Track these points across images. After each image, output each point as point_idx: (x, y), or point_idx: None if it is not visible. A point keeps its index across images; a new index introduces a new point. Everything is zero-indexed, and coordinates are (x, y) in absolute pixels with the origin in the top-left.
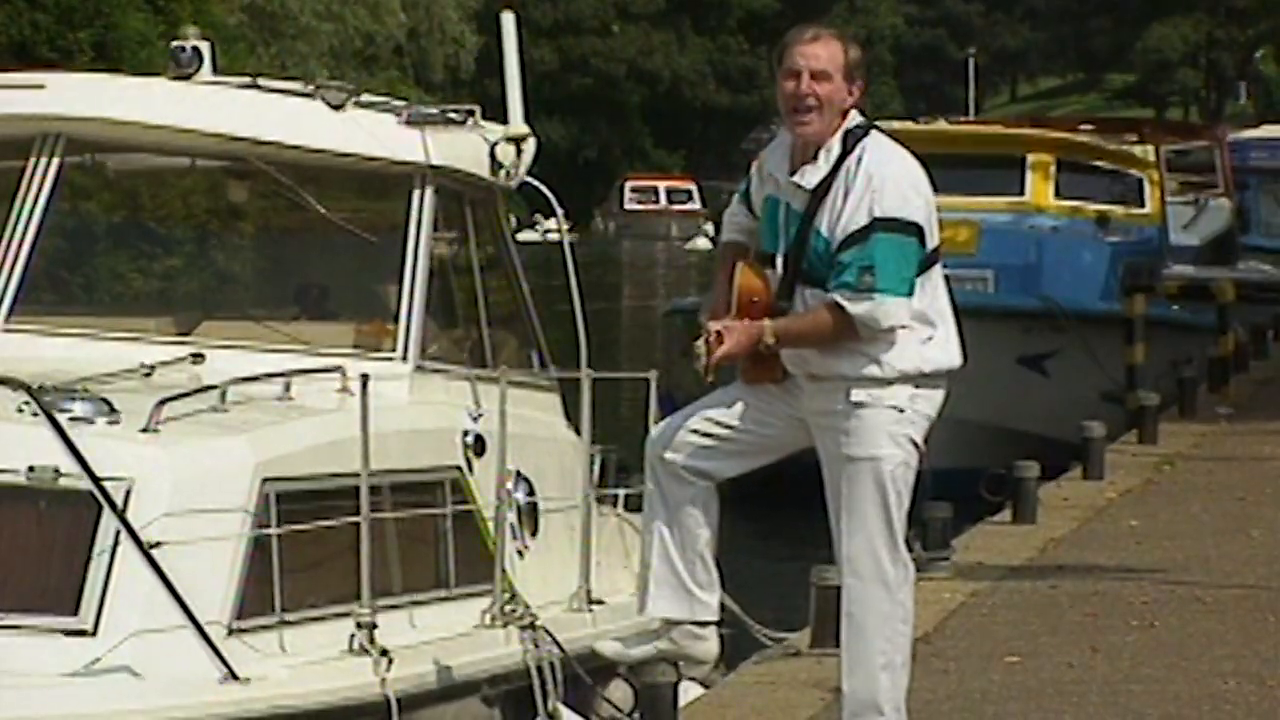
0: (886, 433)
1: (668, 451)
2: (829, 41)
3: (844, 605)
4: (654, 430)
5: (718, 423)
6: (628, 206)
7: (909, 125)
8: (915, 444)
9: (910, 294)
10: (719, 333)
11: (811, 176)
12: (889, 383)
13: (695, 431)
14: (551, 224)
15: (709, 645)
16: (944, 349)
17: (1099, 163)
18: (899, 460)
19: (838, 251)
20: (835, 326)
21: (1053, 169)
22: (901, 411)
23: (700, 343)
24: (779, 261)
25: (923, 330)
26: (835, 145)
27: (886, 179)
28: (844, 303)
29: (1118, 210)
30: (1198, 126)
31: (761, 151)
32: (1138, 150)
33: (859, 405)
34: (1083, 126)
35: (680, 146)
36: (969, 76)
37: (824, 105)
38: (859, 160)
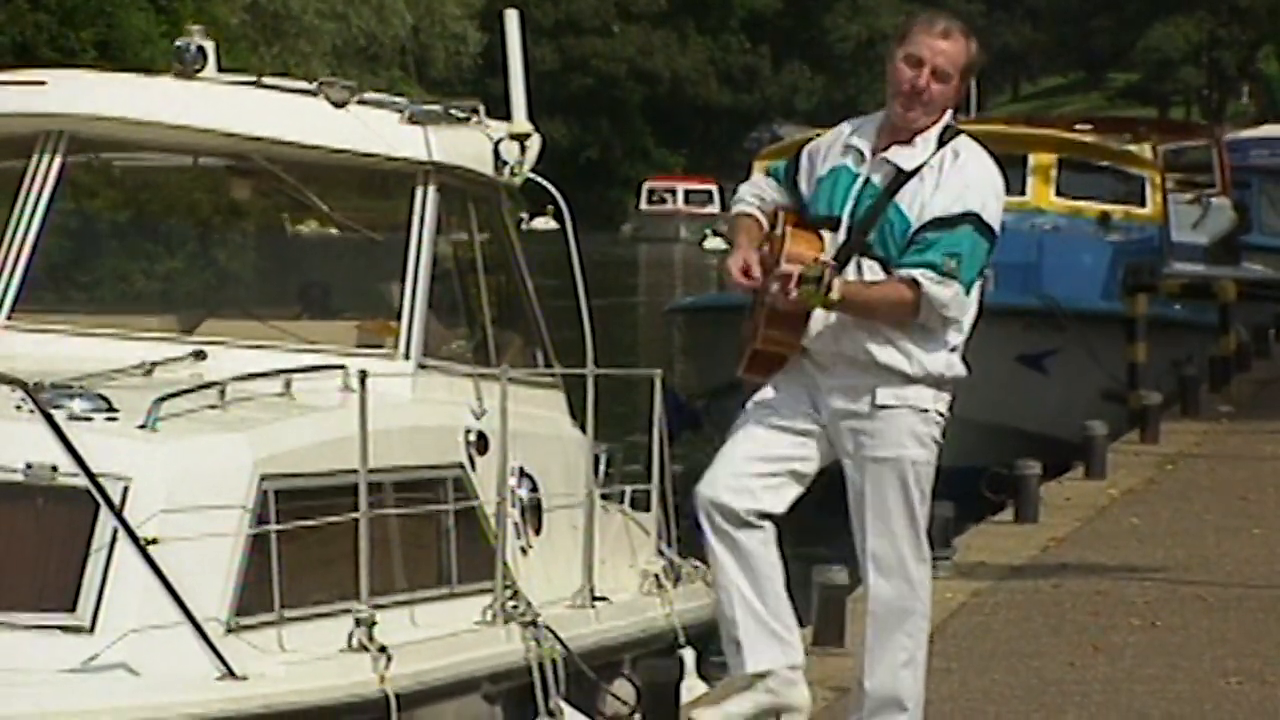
0: (911, 433)
1: (727, 499)
2: (958, 40)
3: (868, 604)
4: (702, 483)
5: (762, 458)
6: (643, 208)
7: None
8: (937, 443)
9: (971, 295)
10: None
11: (910, 159)
12: (914, 381)
13: (746, 474)
14: (539, 223)
15: (804, 689)
16: (960, 359)
17: (1100, 162)
18: (924, 460)
19: (922, 230)
20: (903, 304)
21: (1054, 169)
22: (925, 412)
23: (790, 270)
24: (843, 227)
25: (956, 337)
26: (933, 136)
27: (986, 181)
28: (924, 281)
29: (1119, 210)
30: (1195, 126)
31: (825, 134)
32: (1136, 149)
33: (883, 407)
34: (1079, 126)
35: (682, 146)
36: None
37: (934, 103)
38: (956, 154)
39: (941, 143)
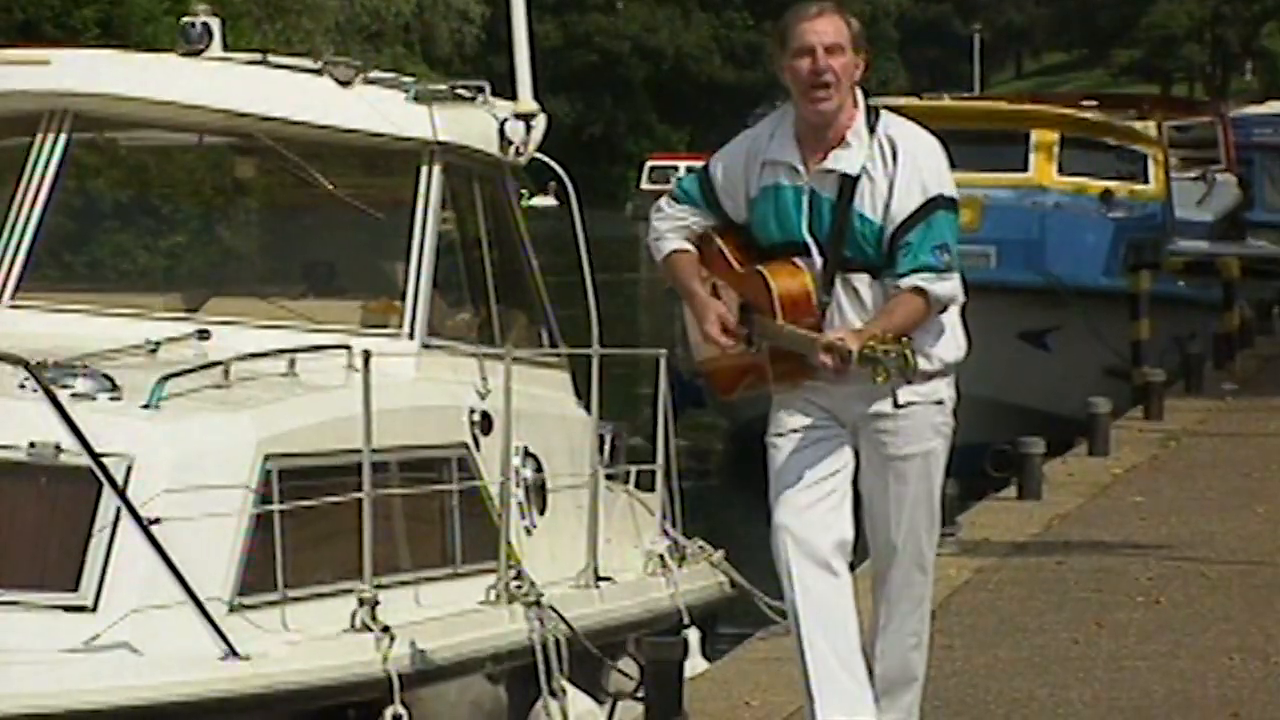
0: (932, 426)
1: (808, 535)
2: (833, 16)
3: (882, 589)
4: (777, 524)
5: (816, 484)
6: (645, 186)
7: (913, 101)
8: (952, 428)
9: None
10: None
11: (850, 162)
12: (932, 376)
13: (811, 506)
14: (539, 200)
15: None
16: (962, 332)
17: (1103, 139)
18: (943, 450)
19: (899, 233)
20: (921, 314)
21: (1056, 146)
22: (941, 404)
23: (827, 359)
24: (815, 251)
25: (955, 315)
26: (862, 129)
27: (931, 158)
28: (927, 286)
29: (1122, 187)
30: (1199, 103)
31: (728, 149)
32: (1140, 126)
33: (906, 405)
34: (1084, 103)
35: (685, 122)
36: (974, 52)
37: (840, 80)
38: (889, 139)
39: (871, 130)
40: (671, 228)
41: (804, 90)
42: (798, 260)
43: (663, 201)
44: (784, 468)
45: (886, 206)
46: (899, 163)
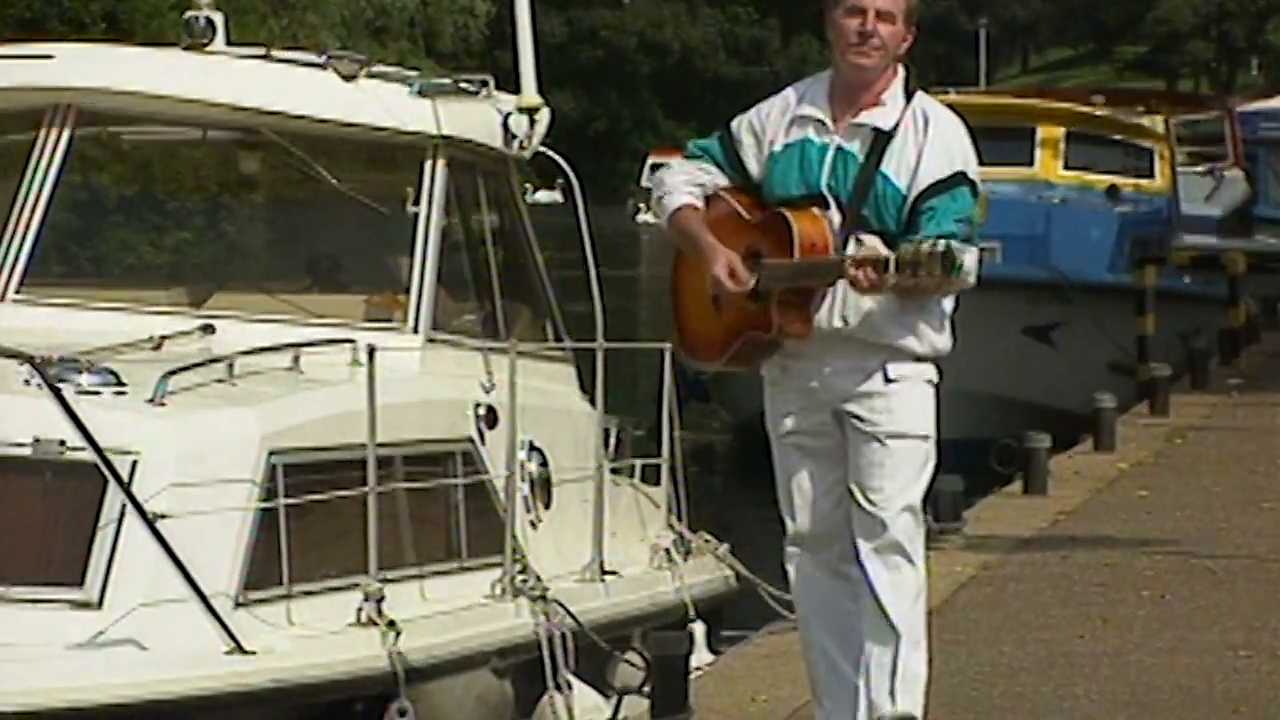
0: (923, 408)
1: (821, 550)
2: None
3: (884, 573)
4: (789, 554)
5: (826, 492)
6: (645, 183)
7: None
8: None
9: None
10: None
11: (886, 119)
12: (920, 359)
13: (823, 514)
14: (542, 196)
15: None
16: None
17: (1109, 134)
18: (933, 434)
19: (922, 198)
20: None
21: (1062, 141)
22: (930, 383)
23: (859, 273)
24: (834, 205)
25: (950, 305)
26: (899, 92)
27: (962, 135)
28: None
29: (1127, 182)
30: (1207, 98)
31: (755, 107)
32: (1147, 122)
33: (896, 381)
34: (1094, 98)
35: (691, 118)
36: (980, 47)
37: (885, 46)
38: (923, 112)
39: (907, 97)
40: (683, 181)
41: (848, 48)
42: (817, 211)
43: (673, 160)
44: (791, 479)
45: (913, 173)
46: (929, 134)
